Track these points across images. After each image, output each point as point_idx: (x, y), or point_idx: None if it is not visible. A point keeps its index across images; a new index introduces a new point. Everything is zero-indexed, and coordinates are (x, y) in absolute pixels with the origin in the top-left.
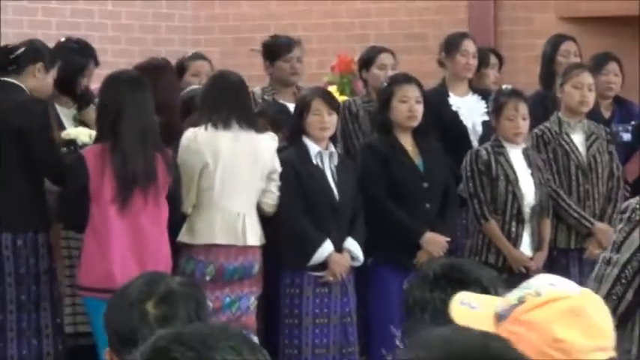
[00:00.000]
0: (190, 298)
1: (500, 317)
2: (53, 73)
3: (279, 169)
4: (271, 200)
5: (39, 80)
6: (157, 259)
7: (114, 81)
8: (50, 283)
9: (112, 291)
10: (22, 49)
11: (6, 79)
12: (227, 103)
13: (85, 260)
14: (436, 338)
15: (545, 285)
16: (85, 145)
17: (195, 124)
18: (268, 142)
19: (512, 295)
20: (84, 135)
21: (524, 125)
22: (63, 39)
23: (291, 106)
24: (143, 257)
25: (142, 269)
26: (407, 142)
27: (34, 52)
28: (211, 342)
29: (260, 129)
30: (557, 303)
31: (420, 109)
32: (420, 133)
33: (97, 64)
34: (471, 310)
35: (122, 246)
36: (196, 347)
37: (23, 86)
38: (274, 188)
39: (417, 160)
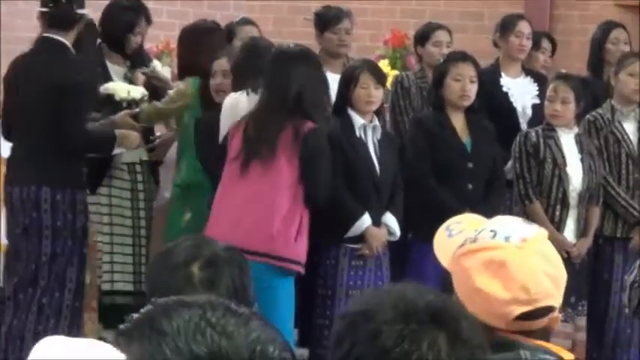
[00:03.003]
0: (234, 263)
1: (454, 252)
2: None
3: None
4: None
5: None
6: (253, 230)
7: (275, 54)
8: (82, 240)
9: None
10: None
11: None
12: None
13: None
14: (390, 293)
15: (486, 232)
16: (123, 100)
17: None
18: None
19: (465, 235)
20: (122, 91)
21: (562, 108)
22: None
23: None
24: (237, 224)
25: (234, 234)
26: (458, 120)
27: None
28: None
29: None
30: (484, 253)
31: (473, 88)
32: (472, 113)
33: (149, 22)
34: (447, 238)
35: (233, 208)
36: None
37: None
38: None
39: (465, 139)
